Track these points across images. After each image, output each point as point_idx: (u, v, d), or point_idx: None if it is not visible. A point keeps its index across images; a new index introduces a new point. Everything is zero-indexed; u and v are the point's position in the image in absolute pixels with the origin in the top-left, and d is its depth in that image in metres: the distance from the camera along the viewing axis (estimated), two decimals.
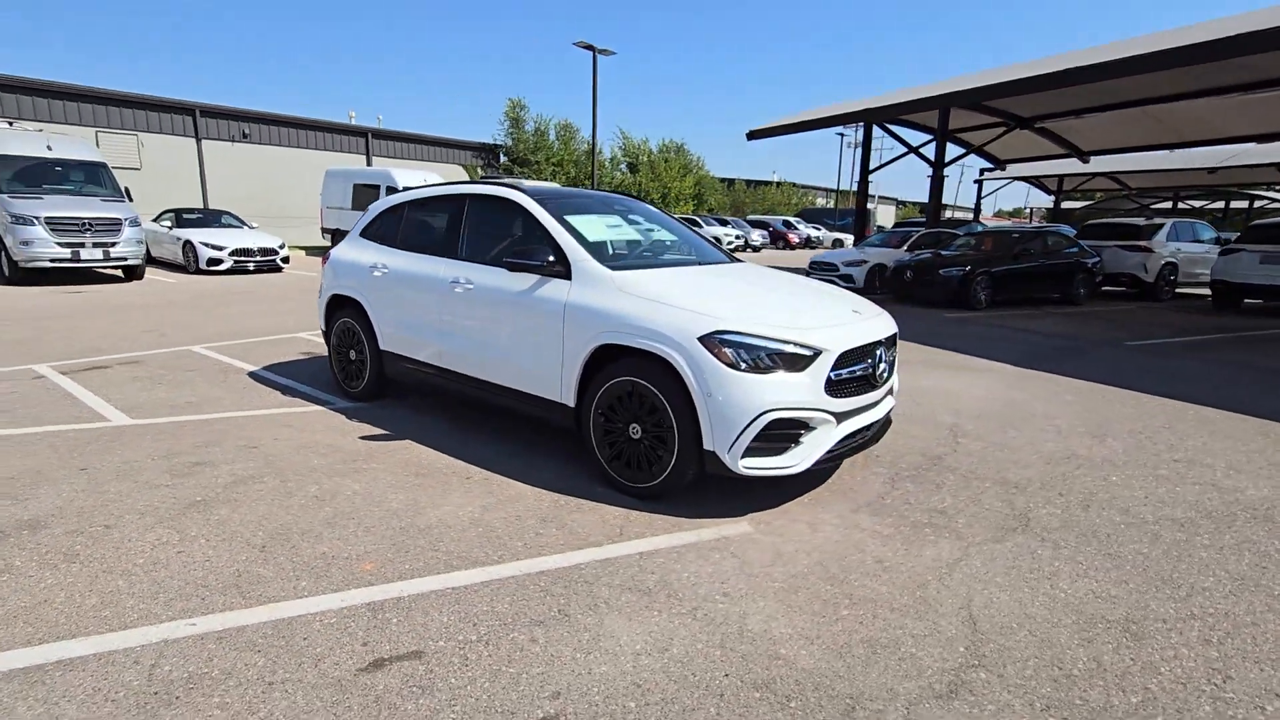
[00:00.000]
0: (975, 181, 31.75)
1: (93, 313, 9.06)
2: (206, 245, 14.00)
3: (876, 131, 21.28)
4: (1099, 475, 4.02)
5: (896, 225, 27.14)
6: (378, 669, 2.17)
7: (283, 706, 1.99)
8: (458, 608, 2.52)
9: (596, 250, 3.88)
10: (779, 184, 49.15)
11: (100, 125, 18.67)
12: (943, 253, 12.98)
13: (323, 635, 2.33)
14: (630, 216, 4.67)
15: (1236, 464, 4.24)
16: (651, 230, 4.76)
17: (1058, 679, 2.19)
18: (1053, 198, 33.42)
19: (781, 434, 3.20)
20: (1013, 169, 26.39)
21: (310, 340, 7.45)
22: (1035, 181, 33.49)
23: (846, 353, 3.32)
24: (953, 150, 20.13)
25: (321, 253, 10.76)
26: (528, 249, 3.88)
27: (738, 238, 29.38)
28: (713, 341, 3.17)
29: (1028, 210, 59.25)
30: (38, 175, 11.81)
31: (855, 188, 21.39)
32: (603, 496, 3.55)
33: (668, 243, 4.69)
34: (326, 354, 5.58)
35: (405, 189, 5.29)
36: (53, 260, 11.26)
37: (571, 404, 3.71)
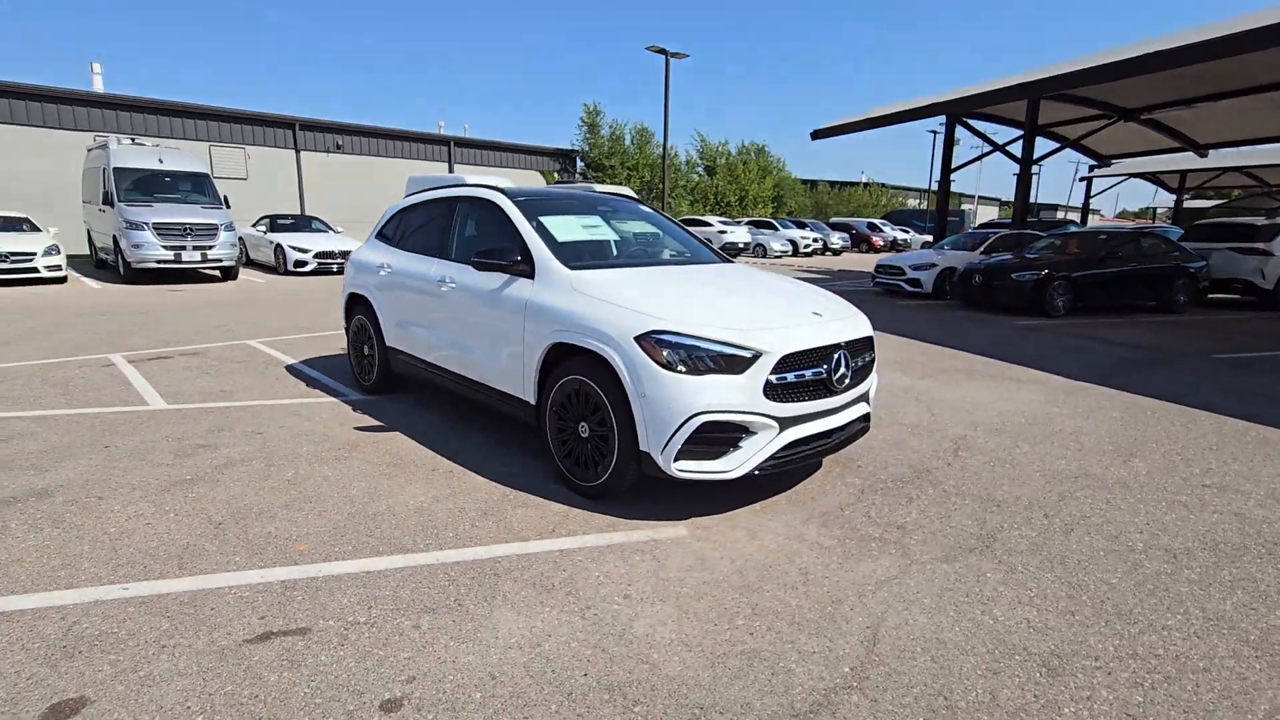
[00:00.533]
0: (1081, 179, 29.46)
1: (182, 309, 10.03)
2: (294, 248, 15.16)
3: (971, 127, 20.16)
4: (1102, 497, 3.65)
5: (980, 226, 25.54)
6: (262, 641, 2.30)
7: (164, 667, 2.15)
8: (363, 591, 2.63)
9: (563, 250, 3.92)
10: (867, 185, 47.39)
11: (213, 139, 20.65)
12: (1023, 255, 12.13)
13: (230, 607, 2.50)
14: (614, 217, 4.68)
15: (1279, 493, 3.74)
16: (636, 232, 4.75)
17: (936, 710, 2.03)
18: (1174, 196, 30.48)
19: (717, 437, 3.12)
20: (1121, 165, 24.25)
21: None
22: (1153, 178, 30.66)
23: (792, 355, 3.20)
24: (1045, 145, 18.78)
25: None
26: (498, 249, 3.98)
27: (814, 240, 28.60)
28: (649, 341, 3.14)
29: (1152, 210, 54.29)
30: (150, 185, 13.21)
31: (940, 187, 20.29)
32: (555, 494, 3.59)
33: (649, 244, 4.68)
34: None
35: None
36: (158, 261, 12.56)
37: (533, 401, 3.77)
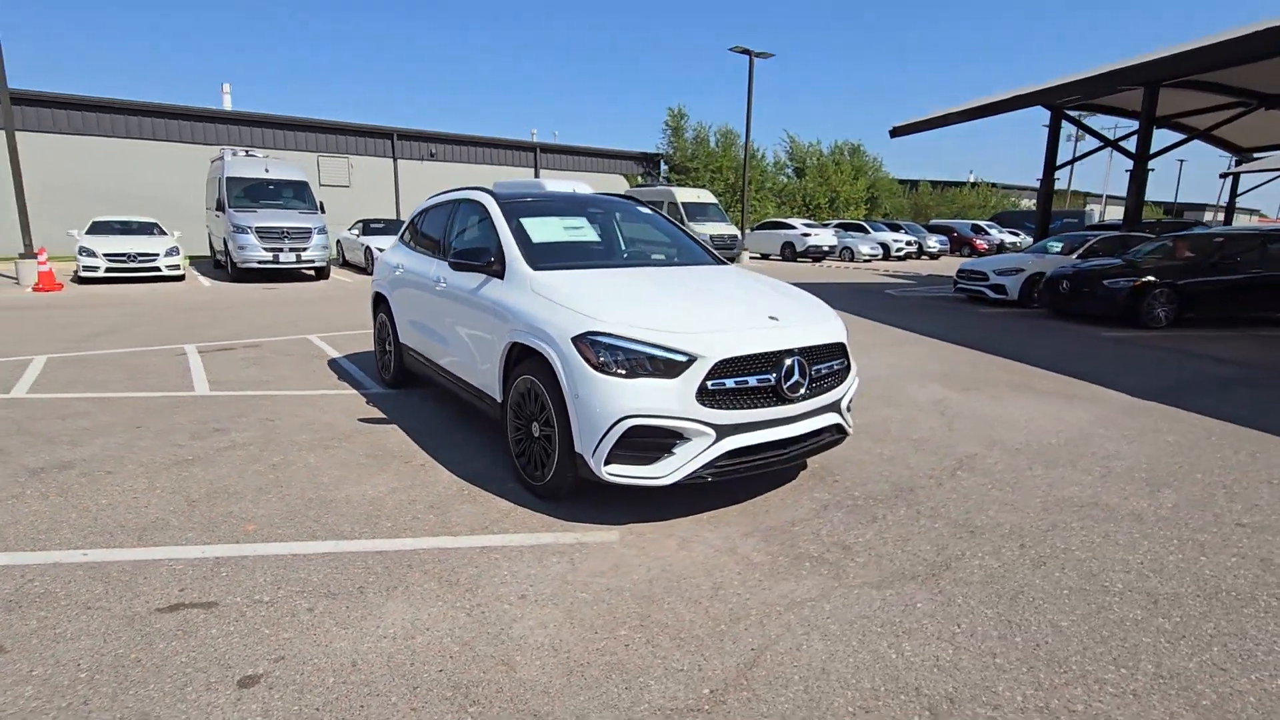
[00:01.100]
0: (1221, 176, 26.28)
1: (267, 305, 10.95)
2: (379, 250, 16.18)
3: (1074, 119, 18.50)
4: (1101, 530, 3.25)
5: (1090, 228, 23.31)
6: (170, 611, 2.48)
7: (77, 628, 2.37)
8: (281, 572, 2.77)
9: (535, 251, 3.96)
10: (974, 185, 44.52)
11: (320, 150, 22.47)
12: (1122, 260, 10.98)
13: (159, 578, 2.71)
14: (604, 219, 4.66)
15: None
16: (628, 234, 4.72)
17: None
18: None
19: (648, 442, 3.04)
20: (1268, 158, 21.38)
21: None
22: None
23: (731, 361, 3.07)
24: (1168, 138, 16.91)
25: None
26: (477, 249, 4.08)
27: (909, 243, 27.20)
28: (584, 342, 3.11)
29: None
30: (256, 193, 14.56)
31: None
32: (510, 492, 3.63)
33: (636, 246, 4.63)
34: None
35: None
36: (259, 262, 13.81)
37: (499, 399, 3.83)
